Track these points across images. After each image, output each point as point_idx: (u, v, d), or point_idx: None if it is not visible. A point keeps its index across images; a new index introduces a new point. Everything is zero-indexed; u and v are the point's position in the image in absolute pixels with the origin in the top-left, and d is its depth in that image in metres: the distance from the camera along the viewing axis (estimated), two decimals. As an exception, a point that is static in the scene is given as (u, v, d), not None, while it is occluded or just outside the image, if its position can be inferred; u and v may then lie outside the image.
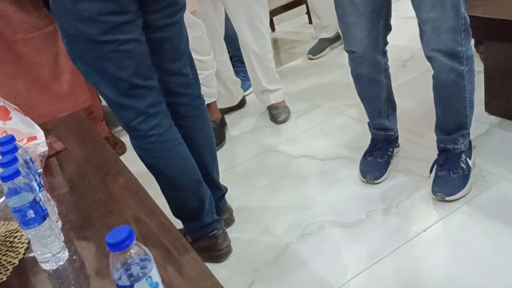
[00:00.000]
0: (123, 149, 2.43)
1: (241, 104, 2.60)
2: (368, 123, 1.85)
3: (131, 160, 1.48)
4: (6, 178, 0.81)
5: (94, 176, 1.24)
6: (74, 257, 0.94)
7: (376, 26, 1.55)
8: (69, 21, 1.21)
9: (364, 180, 1.78)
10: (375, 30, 1.55)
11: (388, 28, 1.60)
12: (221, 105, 2.47)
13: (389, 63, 1.70)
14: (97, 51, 1.24)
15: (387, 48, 1.67)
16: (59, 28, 1.27)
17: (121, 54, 1.25)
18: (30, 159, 0.98)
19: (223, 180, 1.73)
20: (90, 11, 1.18)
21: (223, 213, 1.70)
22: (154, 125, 1.37)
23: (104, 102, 2.52)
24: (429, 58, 1.48)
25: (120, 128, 2.69)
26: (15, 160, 0.87)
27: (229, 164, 2.13)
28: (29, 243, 0.97)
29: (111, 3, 1.19)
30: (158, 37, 1.36)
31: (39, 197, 0.86)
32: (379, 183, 1.76)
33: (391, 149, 1.83)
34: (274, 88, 2.39)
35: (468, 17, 1.43)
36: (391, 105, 1.79)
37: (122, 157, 2.11)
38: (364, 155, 1.84)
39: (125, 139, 2.50)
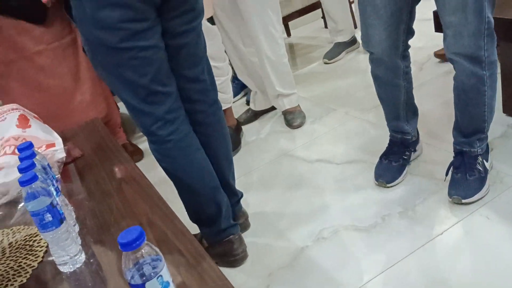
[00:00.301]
0: (140, 156, 2.47)
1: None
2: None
3: (148, 167, 1.51)
4: (24, 183, 0.83)
5: (110, 181, 1.26)
6: (91, 260, 0.96)
7: (396, 29, 1.53)
8: (90, 29, 1.24)
9: (377, 183, 1.77)
10: (395, 33, 1.54)
11: (410, 33, 1.58)
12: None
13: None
14: (117, 58, 1.26)
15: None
16: (81, 35, 1.30)
17: (140, 60, 1.28)
18: (48, 165, 1.01)
19: (238, 185, 1.74)
20: (110, 19, 1.20)
21: (239, 218, 1.71)
22: (173, 131, 1.39)
23: (122, 110, 2.58)
24: (450, 60, 1.47)
25: (138, 135, 2.73)
26: (32, 165, 0.90)
27: (245, 170, 2.15)
28: (47, 247, 1.00)
29: (131, 10, 1.21)
30: (176, 44, 1.38)
31: (56, 201, 0.89)
32: (391, 187, 1.75)
33: (407, 153, 1.81)
34: (288, 92, 2.40)
35: (493, 20, 1.40)
36: (411, 109, 1.76)
37: (139, 164, 2.16)
38: (380, 158, 1.83)
39: (143, 146, 2.54)
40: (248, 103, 2.68)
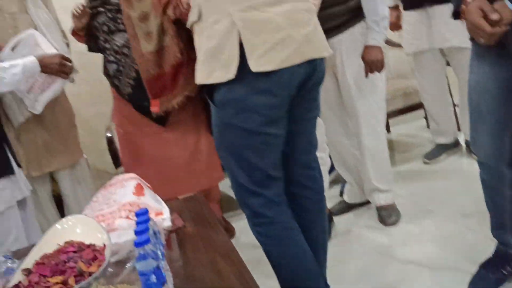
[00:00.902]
0: (232, 233, 2.55)
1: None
2: None
3: (241, 246, 1.57)
4: (139, 244, 0.94)
5: (206, 254, 1.34)
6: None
7: (501, 137, 1.51)
8: (233, 111, 1.37)
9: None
10: (500, 140, 1.52)
11: None
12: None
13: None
14: (248, 141, 1.38)
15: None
16: (215, 117, 1.43)
17: (267, 146, 1.39)
18: (158, 231, 1.12)
19: (328, 277, 1.73)
20: (257, 104, 1.34)
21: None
22: (280, 212, 1.45)
23: (221, 186, 2.72)
24: None
25: (231, 213, 2.83)
26: (147, 229, 1.00)
27: (333, 262, 2.12)
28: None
29: (276, 98, 1.35)
30: (297, 130, 1.49)
31: (162, 265, 0.98)
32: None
33: (509, 268, 1.69)
34: (385, 188, 2.39)
35: None
36: None
37: (232, 241, 2.23)
38: (479, 268, 1.73)
39: (236, 224, 2.63)
40: (341, 194, 2.70)
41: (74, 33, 2.12)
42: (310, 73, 1.43)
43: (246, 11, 1.33)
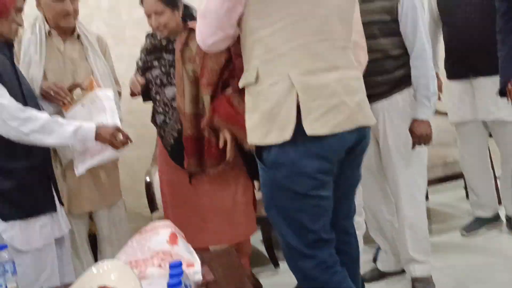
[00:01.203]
0: (260, 290, 2.51)
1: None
2: None
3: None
4: (171, 298, 0.95)
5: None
6: None
7: None
8: (285, 173, 1.39)
9: None
10: None
11: None
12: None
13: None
14: (299, 203, 1.40)
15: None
16: (265, 177, 1.45)
17: (318, 209, 1.41)
18: (189, 284, 1.13)
19: None
20: (311, 168, 1.37)
21: None
22: (334, 273, 1.44)
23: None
24: None
25: (259, 268, 2.80)
26: (179, 283, 1.02)
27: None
28: None
29: (328, 163, 1.39)
30: (337, 194, 1.50)
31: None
32: None
33: None
34: (422, 259, 2.31)
35: None
36: None
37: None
38: None
39: (263, 281, 2.59)
40: (375, 261, 2.63)
41: (132, 93, 2.24)
42: (359, 140, 1.47)
43: (305, 75, 1.38)
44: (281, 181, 1.40)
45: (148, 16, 2.08)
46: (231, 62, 1.89)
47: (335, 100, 1.38)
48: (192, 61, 1.99)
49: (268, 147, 1.41)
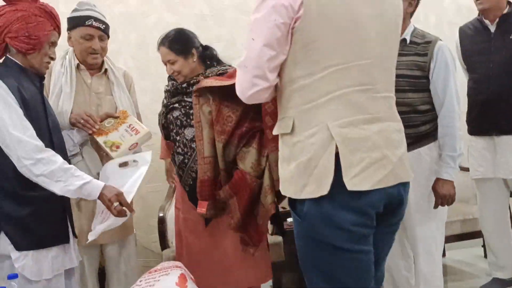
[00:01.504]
0: None
1: None
2: None
3: None
4: None
5: None
6: None
7: None
8: (320, 226, 1.32)
9: None
10: None
11: None
12: None
13: None
14: (335, 257, 1.33)
15: None
16: (298, 227, 1.38)
17: (356, 263, 1.33)
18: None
19: None
20: (346, 221, 1.30)
21: None
22: None
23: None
24: None
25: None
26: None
27: None
28: None
29: (363, 216, 1.32)
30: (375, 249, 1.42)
31: None
32: None
33: None
34: (436, 317, 2.23)
35: None
36: None
37: None
38: None
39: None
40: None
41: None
42: (399, 195, 1.41)
43: (345, 127, 1.32)
44: (315, 234, 1.33)
45: (164, 64, 2.19)
46: (250, 114, 1.91)
47: (377, 154, 1.33)
48: (208, 104, 1.99)
49: (306, 201, 1.35)
